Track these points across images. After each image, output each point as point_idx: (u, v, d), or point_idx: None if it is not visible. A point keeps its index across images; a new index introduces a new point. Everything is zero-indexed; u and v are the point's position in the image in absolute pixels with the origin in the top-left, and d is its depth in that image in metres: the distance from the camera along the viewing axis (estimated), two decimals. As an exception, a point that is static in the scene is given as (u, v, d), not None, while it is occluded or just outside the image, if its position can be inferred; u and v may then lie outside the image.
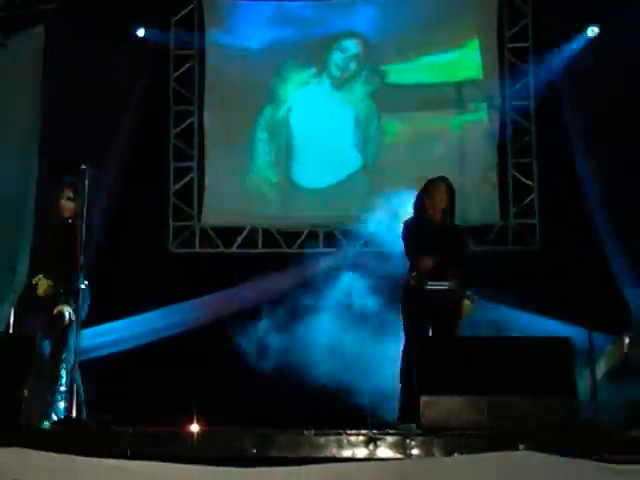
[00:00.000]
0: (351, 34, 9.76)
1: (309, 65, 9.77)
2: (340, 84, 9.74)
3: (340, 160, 9.61)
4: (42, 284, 6.53)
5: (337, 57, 9.76)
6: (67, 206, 6.69)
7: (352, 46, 9.76)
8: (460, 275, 6.42)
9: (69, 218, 6.67)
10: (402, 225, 6.68)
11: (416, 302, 6.38)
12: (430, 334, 6.40)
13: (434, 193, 6.56)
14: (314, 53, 9.79)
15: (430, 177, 6.74)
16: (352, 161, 9.63)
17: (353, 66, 9.75)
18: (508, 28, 9.64)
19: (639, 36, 8.69)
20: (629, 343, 6.52)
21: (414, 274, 6.43)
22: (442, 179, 6.64)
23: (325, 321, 8.51)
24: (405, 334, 6.44)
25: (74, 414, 6.25)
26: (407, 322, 6.43)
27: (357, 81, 9.71)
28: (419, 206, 6.60)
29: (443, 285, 6.39)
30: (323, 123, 9.69)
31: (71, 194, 6.68)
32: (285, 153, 9.72)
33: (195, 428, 6.09)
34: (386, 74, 9.68)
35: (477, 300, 6.47)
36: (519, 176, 9.50)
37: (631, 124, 8.72)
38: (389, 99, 9.65)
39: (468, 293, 6.44)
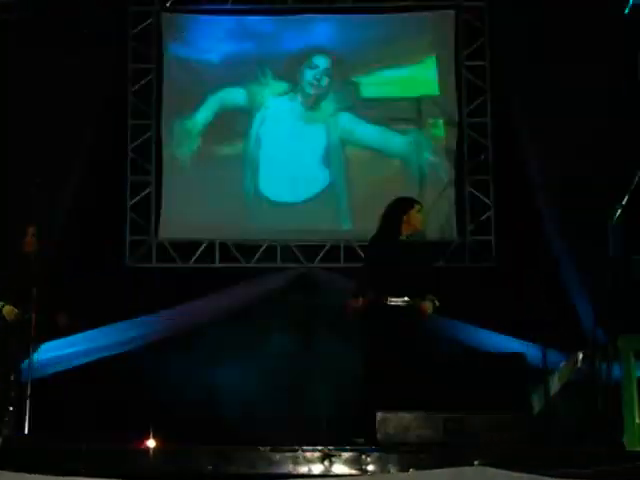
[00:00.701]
0: (320, 50, 9.79)
1: (280, 80, 9.76)
2: (313, 101, 9.75)
3: (308, 177, 9.60)
4: (9, 311, 6.67)
5: (309, 74, 9.77)
6: (31, 242, 6.95)
7: (322, 62, 9.77)
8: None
9: (33, 252, 6.95)
10: (370, 243, 6.67)
11: (377, 318, 6.38)
12: (390, 350, 6.40)
13: (415, 214, 6.56)
14: (283, 68, 9.77)
15: (402, 196, 6.76)
16: (320, 178, 9.62)
17: (325, 81, 9.75)
18: (465, 46, 9.75)
19: (590, 51, 8.92)
20: (582, 359, 6.60)
21: (375, 292, 6.44)
22: (417, 201, 6.67)
23: (283, 336, 8.52)
24: (365, 350, 6.42)
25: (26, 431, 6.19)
26: (367, 338, 6.42)
27: (329, 97, 9.73)
28: (396, 225, 6.54)
29: (404, 301, 6.40)
30: (294, 139, 9.67)
31: (34, 231, 6.93)
32: (252, 166, 9.70)
33: (151, 444, 6.04)
34: (358, 87, 9.73)
35: (436, 303, 6.43)
36: (476, 193, 9.58)
37: (583, 140, 8.89)
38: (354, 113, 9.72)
39: (429, 297, 6.41)
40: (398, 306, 6.34)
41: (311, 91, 9.75)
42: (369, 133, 9.66)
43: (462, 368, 5.51)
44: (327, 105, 9.70)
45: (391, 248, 6.45)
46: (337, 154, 9.65)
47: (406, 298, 6.36)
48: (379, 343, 6.31)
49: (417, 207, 6.57)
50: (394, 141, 9.63)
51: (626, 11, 8.42)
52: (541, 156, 9.11)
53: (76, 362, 8.63)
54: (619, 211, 6.34)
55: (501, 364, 5.57)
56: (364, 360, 6.34)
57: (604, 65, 8.97)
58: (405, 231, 6.51)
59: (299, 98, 9.76)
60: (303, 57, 9.79)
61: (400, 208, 6.56)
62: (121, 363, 8.69)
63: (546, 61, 9.17)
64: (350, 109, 9.68)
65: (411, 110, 9.60)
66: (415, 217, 6.52)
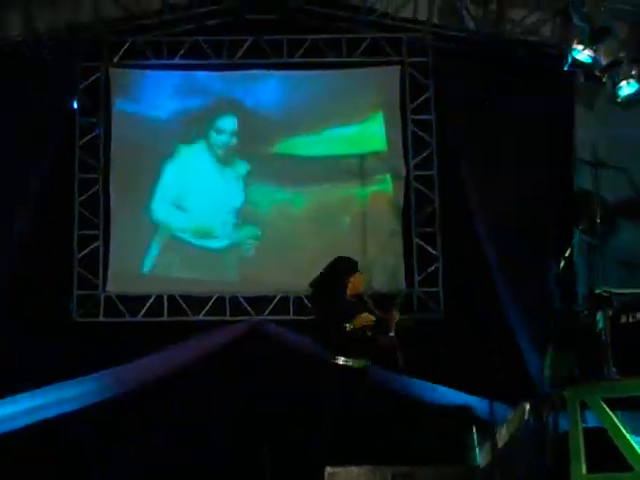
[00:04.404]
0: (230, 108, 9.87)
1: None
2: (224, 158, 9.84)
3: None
4: None
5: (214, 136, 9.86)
6: None
7: (230, 123, 9.85)
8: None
9: None
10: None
11: (332, 378, 6.39)
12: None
13: (351, 281, 6.56)
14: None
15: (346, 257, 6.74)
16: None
17: (233, 141, 9.85)
18: (411, 101, 9.88)
19: (531, 106, 9.12)
20: (530, 409, 6.62)
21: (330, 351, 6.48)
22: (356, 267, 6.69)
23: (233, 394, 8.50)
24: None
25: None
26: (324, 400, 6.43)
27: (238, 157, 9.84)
28: (342, 286, 6.54)
29: (357, 362, 6.36)
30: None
31: None
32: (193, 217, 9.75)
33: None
34: (274, 146, 9.81)
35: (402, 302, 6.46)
36: (424, 245, 9.66)
37: (524, 189, 9.07)
38: (295, 171, 9.77)
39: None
40: (351, 367, 6.36)
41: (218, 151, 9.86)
42: (314, 191, 9.75)
43: (410, 421, 5.53)
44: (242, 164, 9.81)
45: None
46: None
47: (359, 361, 6.37)
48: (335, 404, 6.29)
49: (356, 276, 6.59)
50: (341, 196, 9.74)
51: (565, 68, 8.64)
52: (486, 207, 9.27)
53: (21, 422, 8.43)
54: (562, 263, 6.47)
55: (448, 417, 5.62)
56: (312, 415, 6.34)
57: (544, 120, 9.20)
58: (349, 292, 6.54)
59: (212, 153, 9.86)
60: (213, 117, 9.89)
61: (346, 269, 6.60)
62: (66, 423, 8.54)
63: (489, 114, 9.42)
64: (291, 165, 9.76)
65: (358, 166, 9.70)
66: (354, 284, 6.56)
